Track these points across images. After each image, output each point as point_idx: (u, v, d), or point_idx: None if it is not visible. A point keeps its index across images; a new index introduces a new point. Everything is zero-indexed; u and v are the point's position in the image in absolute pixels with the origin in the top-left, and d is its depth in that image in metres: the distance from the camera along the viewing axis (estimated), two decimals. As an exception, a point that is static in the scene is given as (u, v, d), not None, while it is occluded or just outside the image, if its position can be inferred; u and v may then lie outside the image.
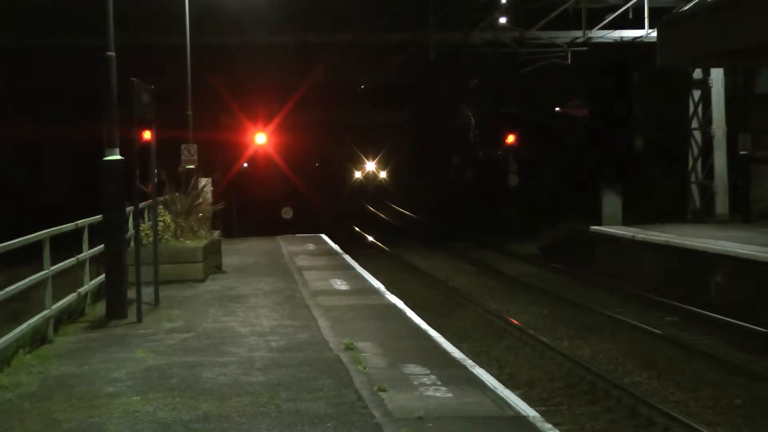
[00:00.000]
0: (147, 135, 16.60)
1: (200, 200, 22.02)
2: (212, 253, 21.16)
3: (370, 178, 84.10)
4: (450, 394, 10.10)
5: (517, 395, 10.73)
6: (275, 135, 53.11)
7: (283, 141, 55.63)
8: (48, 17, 32.19)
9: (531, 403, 11.25)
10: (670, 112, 38.34)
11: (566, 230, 35.51)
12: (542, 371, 16.71)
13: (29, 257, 13.82)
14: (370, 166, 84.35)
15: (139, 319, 14.57)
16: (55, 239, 13.54)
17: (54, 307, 13.40)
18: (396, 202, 69.19)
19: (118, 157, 14.52)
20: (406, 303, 16.90)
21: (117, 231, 14.69)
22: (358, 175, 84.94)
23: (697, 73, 32.88)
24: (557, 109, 53.12)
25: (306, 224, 39.91)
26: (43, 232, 13.11)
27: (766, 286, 20.66)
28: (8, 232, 13.99)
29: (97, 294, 16.44)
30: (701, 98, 32.91)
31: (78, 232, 15.20)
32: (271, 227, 40.33)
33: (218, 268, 21.50)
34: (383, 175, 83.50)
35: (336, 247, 27.89)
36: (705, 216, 32.22)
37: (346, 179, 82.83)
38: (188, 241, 20.26)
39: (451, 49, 36.05)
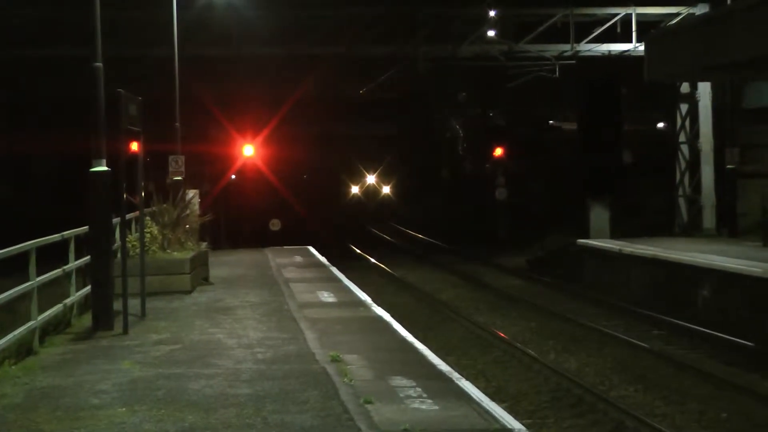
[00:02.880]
0: (134, 146, 16.58)
1: (188, 212, 22.01)
2: (199, 264, 21.11)
3: (370, 193, 72.76)
4: (436, 407, 10.08)
5: (504, 408, 10.73)
6: (264, 147, 53.07)
7: (271, 153, 55.59)
8: (35, 28, 32.15)
9: (517, 416, 11.24)
10: (657, 125, 38.53)
11: (554, 243, 35.55)
12: (529, 384, 16.71)
13: (15, 268, 13.76)
14: (371, 179, 72.90)
15: (126, 331, 14.52)
16: (41, 250, 13.49)
17: (40, 318, 13.36)
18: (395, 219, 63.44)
19: (105, 168, 14.50)
20: (393, 316, 16.88)
21: (103, 242, 14.65)
22: (355, 190, 73.15)
23: (685, 87, 33.03)
24: (546, 122, 53.24)
25: (296, 237, 39.79)
26: (29, 242, 13.07)
27: (752, 300, 20.71)
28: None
29: (84, 305, 16.38)
30: (689, 112, 33.06)
31: (65, 243, 15.16)
32: (259, 239, 40.29)
33: (205, 280, 21.45)
34: (386, 190, 71.97)
35: (323, 259, 27.86)
36: (692, 230, 32.32)
37: (342, 194, 72.91)
38: (175, 253, 20.22)
39: (440, 62, 36.14)
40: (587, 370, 17.78)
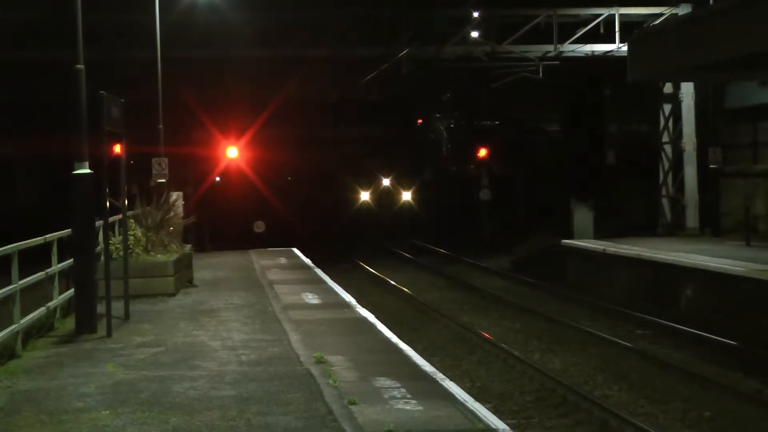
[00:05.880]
0: (117, 149, 16.55)
1: (171, 214, 21.97)
2: (183, 267, 21.09)
3: (383, 199, 58.56)
4: (420, 408, 10.09)
5: (488, 408, 10.73)
6: (248, 149, 52.96)
7: (256, 155, 55.45)
8: (17, 31, 32.02)
9: (502, 417, 11.27)
10: (641, 126, 38.63)
11: (538, 244, 35.60)
12: (513, 385, 16.73)
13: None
14: (385, 183, 59.14)
15: (109, 334, 14.49)
16: (24, 253, 13.45)
17: (22, 321, 13.31)
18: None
19: (88, 170, 14.46)
20: (377, 317, 16.89)
21: (86, 245, 14.62)
22: (365, 196, 59.07)
23: (668, 88, 33.13)
24: (530, 123, 53.30)
25: (281, 241, 39.70)
26: (11, 246, 13.02)
27: (735, 300, 20.79)
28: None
29: (67, 308, 16.35)
30: (672, 112, 33.16)
31: (47, 246, 15.11)
32: (244, 241, 40.23)
33: (189, 282, 21.44)
34: (407, 196, 57.97)
35: (308, 261, 27.85)
36: (676, 229, 32.43)
37: (349, 202, 59.47)
38: (159, 255, 20.20)
39: (424, 64, 36.14)
40: (571, 370, 17.82)
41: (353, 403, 10.15)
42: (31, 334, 14.46)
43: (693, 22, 25.06)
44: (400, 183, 58.36)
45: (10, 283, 12.95)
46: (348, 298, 19.19)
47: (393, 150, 59.43)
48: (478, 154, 52.83)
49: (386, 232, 51.87)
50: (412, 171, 58.83)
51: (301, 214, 53.34)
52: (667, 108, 33.29)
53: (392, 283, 31.52)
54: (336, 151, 62.38)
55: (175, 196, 23.96)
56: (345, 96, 48.06)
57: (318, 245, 41.05)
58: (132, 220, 20.01)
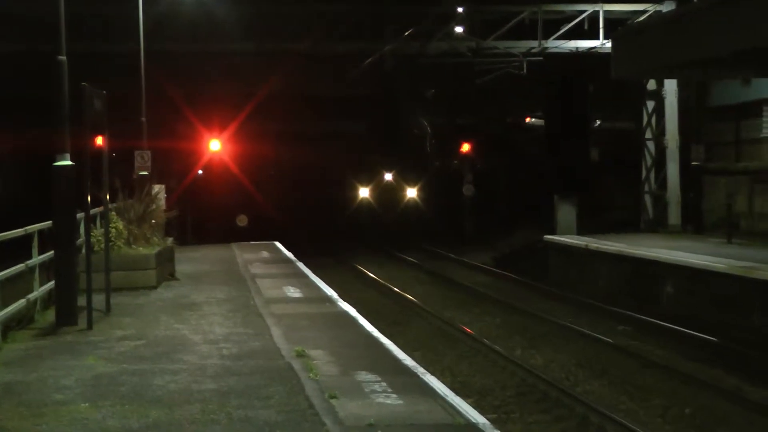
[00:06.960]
0: (99, 141, 16.48)
1: (153, 207, 21.91)
2: (165, 260, 21.03)
3: (385, 196, 52.71)
4: (401, 402, 10.08)
5: (469, 403, 10.73)
6: (231, 143, 52.82)
7: (239, 149, 55.26)
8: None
9: (482, 411, 11.26)
10: (624, 122, 38.69)
11: (521, 240, 35.66)
12: (495, 380, 16.75)
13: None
14: (387, 178, 52.97)
15: (90, 327, 14.42)
16: (3, 245, 13.38)
17: (2, 313, 13.25)
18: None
19: (69, 162, 14.40)
20: (359, 312, 16.87)
21: (67, 237, 14.55)
22: (364, 193, 52.90)
23: (651, 85, 33.22)
24: (513, 118, 53.33)
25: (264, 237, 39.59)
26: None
27: (716, 296, 20.86)
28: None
29: (48, 301, 16.26)
30: (655, 109, 33.26)
31: (28, 238, 15.04)
32: (226, 235, 40.14)
33: (171, 276, 21.36)
34: (412, 193, 52.42)
35: (290, 255, 27.81)
36: (658, 226, 32.53)
37: (347, 200, 53.44)
38: (141, 248, 20.12)
39: (408, 59, 36.12)
40: (553, 365, 17.85)
41: (334, 397, 10.14)
42: (11, 326, 14.38)
43: (676, 19, 25.11)
44: (405, 178, 52.83)
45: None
46: (330, 292, 19.17)
47: (382, 147, 55.86)
48: (462, 150, 52.78)
49: (391, 234, 47.37)
50: (415, 166, 53.84)
51: (287, 210, 52.69)
52: (651, 105, 33.39)
53: (374, 277, 31.53)
54: (320, 146, 61.52)
55: (158, 188, 23.91)
56: (328, 91, 48.00)
57: (311, 244, 40.99)
58: (114, 213, 19.94)
